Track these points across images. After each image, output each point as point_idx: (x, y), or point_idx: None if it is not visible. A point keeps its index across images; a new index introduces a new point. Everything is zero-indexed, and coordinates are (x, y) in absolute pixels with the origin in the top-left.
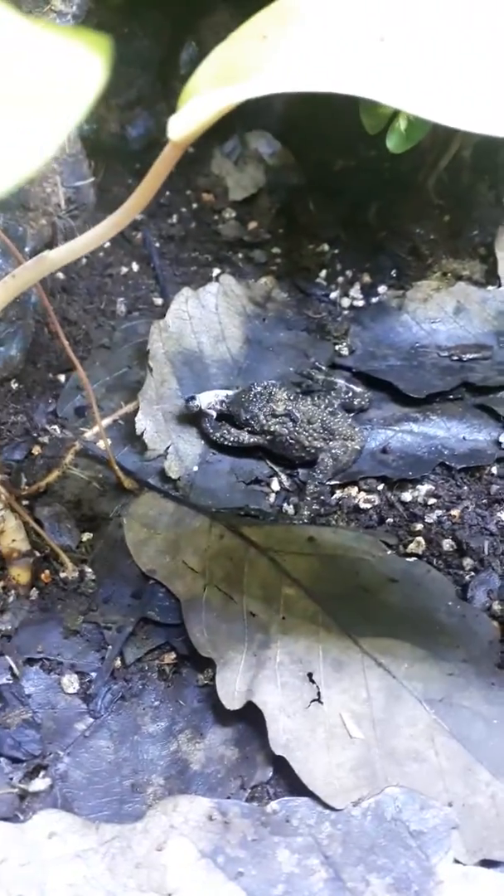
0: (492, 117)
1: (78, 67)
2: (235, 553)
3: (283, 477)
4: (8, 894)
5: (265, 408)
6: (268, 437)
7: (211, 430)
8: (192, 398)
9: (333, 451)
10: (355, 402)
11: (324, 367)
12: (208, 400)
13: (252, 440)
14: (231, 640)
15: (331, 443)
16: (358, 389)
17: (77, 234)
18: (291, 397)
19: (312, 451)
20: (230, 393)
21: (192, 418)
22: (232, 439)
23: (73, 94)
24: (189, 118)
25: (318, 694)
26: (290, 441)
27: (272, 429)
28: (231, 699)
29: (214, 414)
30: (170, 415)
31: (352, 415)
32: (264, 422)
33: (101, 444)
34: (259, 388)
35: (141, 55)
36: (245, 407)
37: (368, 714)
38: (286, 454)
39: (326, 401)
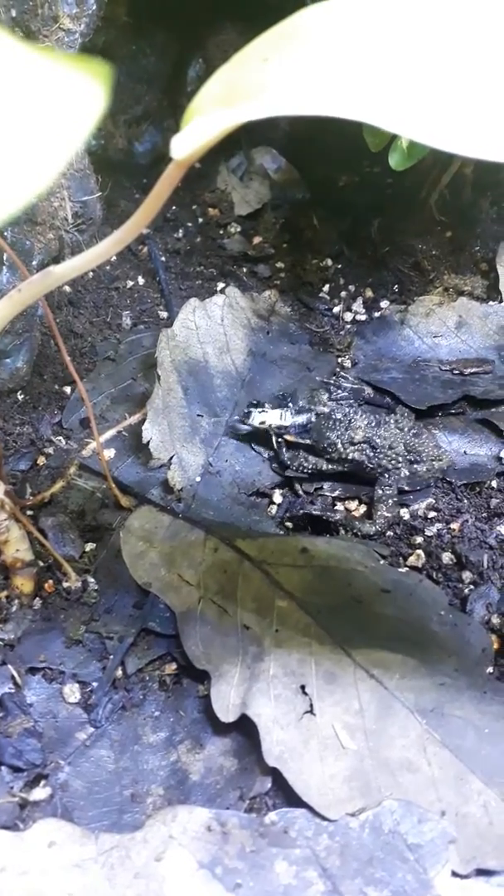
0: (492, 143)
1: (79, 95)
2: (229, 566)
3: (287, 489)
4: None
5: (343, 435)
6: (347, 465)
7: (287, 461)
8: (249, 414)
9: (407, 471)
10: None
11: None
12: (273, 422)
13: (331, 468)
14: (225, 652)
15: (415, 465)
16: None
17: (84, 248)
18: (372, 423)
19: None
20: (289, 414)
21: (254, 437)
22: (310, 467)
23: (75, 121)
24: (191, 138)
25: (311, 706)
26: (372, 466)
27: (350, 457)
28: (226, 712)
29: (280, 439)
30: (174, 424)
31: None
32: (342, 449)
33: (101, 458)
34: (338, 416)
35: (148, 72)
36: (323, 434)
37: (361, 725)
38: (370, 478)
39: (409, 422)
